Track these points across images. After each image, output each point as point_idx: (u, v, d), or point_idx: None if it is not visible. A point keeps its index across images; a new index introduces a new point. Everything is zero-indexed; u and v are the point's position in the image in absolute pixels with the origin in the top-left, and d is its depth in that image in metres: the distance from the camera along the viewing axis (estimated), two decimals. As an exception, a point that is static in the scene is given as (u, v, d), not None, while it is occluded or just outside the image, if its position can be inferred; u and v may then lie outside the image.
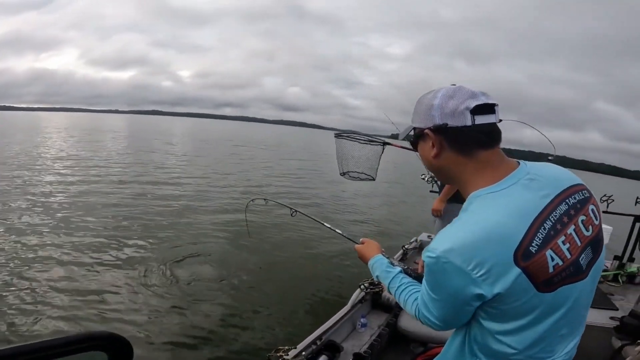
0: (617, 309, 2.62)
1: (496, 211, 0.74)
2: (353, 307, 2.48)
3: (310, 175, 14.95)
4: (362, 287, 2.66)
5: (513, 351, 0.79)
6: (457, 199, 2.77)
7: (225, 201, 8.69)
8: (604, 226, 2.67)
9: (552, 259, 0.74)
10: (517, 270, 0.71)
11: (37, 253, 4.72)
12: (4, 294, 3.66)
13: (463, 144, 0.80)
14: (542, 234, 0.73)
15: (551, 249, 0.74)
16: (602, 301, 2.81)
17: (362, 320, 2.42)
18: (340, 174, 2.68)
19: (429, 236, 4.12)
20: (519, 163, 0.82)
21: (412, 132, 0.90)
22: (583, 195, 0.81)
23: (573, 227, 0.77)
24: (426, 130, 0.82)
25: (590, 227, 0.80)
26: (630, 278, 3.31)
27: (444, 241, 0.75)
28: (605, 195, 3.38)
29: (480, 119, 0.78)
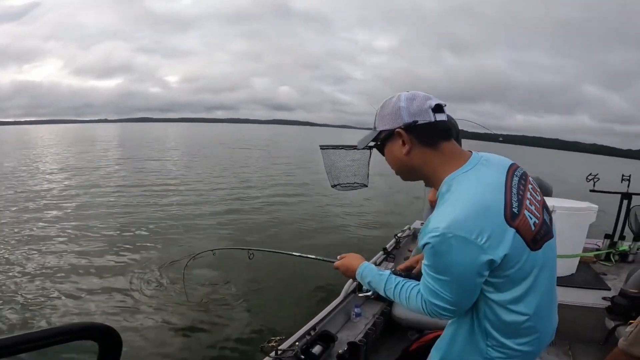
0: (609, 289, 2.62)
1: (476, 186, 0.84)
2: (346, 297, 2.48)
3: (299, 172, 15.03)
4: None
5: (524, 317, 0.87)
6: None
7: (218, 205, 8.73)
8: (588, 204, 2.70)
9: (530, 218, 0.85)
10: (512, 231, 0.81)
11: (45, 257, 5.07)
12: (15, 291, 3.98)
13: (430, 137, 0.91)
14: (515, 198, 0.85)
15: (526, 209, 0.85)
16: (594, 281, 2.81)
17: (356, 310, 2.42)
18: (332, 186, 2.64)
19: (422, 223, 4.12)
20: (471, 152, 0.94)
21: (374, 138, 0.98)
22: (522, 170, 0.96)
23: (528, 193, 0.90)
24: (398, 130, 0.91)
25: (537, 193, 0.94)
26: (623, 257, 3.30)
27: (442, 219, 0.81)
28: (590, 174, 3.40)
29: (438, 116, 0.91)
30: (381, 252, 3.30)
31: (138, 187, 10.77)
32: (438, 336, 1.33)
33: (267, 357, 1.71)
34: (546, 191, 3.41)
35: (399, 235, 3.72)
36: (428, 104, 0.90)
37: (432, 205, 2.94)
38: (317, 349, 1.94)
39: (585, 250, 3.07)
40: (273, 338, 1.72)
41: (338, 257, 1.20)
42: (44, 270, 4.61)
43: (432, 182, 0.95)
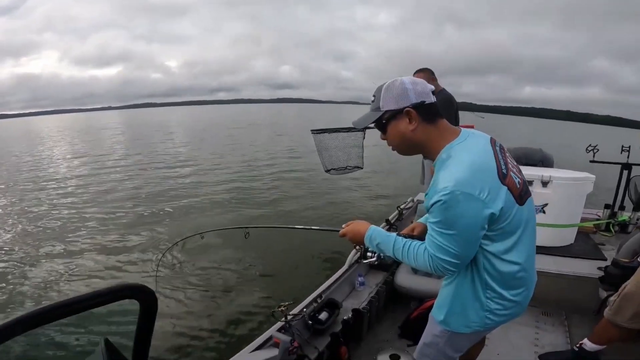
0: (605, 259, 2.62)
1: (473, 152, 1.00)
2: (350, 267, 2.59)
3: (301, 149, 15.10)
4: (357, 247, 2.73)
5: (517, 267, 1.04)
6: None
7: (225, 184, 8.90)
8: (585, 174, 2.72)
9: (514, 178, 1.03)
10: (504, 188, 0.98)
11: (74, 233, 5.67)
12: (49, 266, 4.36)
13: (432, 115, 1.05)
14: (502, 162, 1.02)
15: (510, 171, 1.03)
16: (592, 252, 2.81)
17: (359, 279, 2.55)
18: (326, 171, 2.60)
19: (426, 195, 4.14)
20: (459, 128, 1.09)
21: (379, 117, 1.06)
22: (499, 142, 1.12)
23: (509, 159, 1.08)
24: (407, 109, 1.02)
25: (513, 160, 1.12)
26: (623, 227, 3.30)
27: (450, 179, 0.94)
28: (590, 145, 3.40)
29: (434, 98, 1.06)
30: (384, 224, 3.36)
31: (150, 169, 11.14)
32: None
33: (278, 322, 1.86)
34: (548, 162, 3.43)
35: (401, 207, 3.76)
36: (428, 87, 1.05)
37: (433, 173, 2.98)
38: (323, 315, 2.09)
39: (584, 220, 3.07)
40: (283, 304, 1.86)
41: (343, 225, 1.27)
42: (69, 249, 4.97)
43: (431, 154, 1.08)
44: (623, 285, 1.77)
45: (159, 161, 12.78)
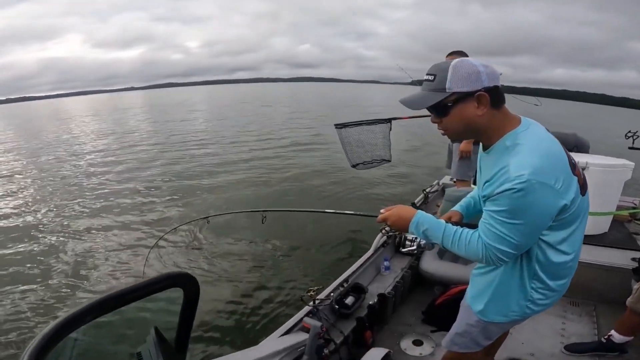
0: (639, 250, 2.54)
1: (544, 140, 0.95)
2: (376, 251, 2.61)
3: (322, 129, 15.04)
4: (383, 231, 2.72)
5: (568, 257, 1.02)
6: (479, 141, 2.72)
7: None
8: (624, 161, 2.57)
9: (578, 168, 1.00)
10: (575, 179, 0.95)
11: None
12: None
13: (499, 101, 0.98)
14: (567, 152, 0.98)
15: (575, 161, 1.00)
16: (626, 241, 2.71)
17: (385, 263, 2.56)
18: (352, 166, 2.48)
19: (450, 178, 3.98)
20: (519, 116, 1.03)
21: (444, 98, 0.97)
22: None
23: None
24: (481, 92, 0.94)
25: None
26: None
27: (525, 167, 0.88)
28: (630, 132, 3.22)
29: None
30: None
31: (172, 148, 11.45)
32: (463, 290, 1.41)
33: (306, 306, 1.90)
34: (583, 147, 3.28)
35: (427, 190, 3.71)
36: (497, 71, 0.98)
37: (464, 155, 2.88)
38: (349, 300, 2.12)
39: (619, 208, 2.95)
40: (311, 288, 1.90)
41: (381, 210, 1.17)
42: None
43: (490, 140, 1.01)
44: None
45: (183, 140, 13.15)
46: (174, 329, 0.80)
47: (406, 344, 2.11)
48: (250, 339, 2.80)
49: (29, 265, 4.10)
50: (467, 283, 1.27)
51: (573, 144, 3.25)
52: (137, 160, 9.75)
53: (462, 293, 1.32)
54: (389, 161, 2.53)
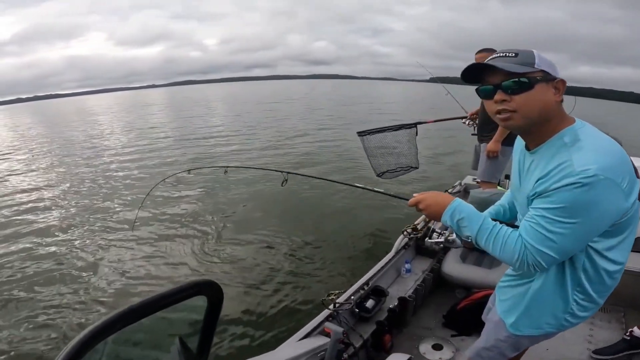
0: None
1: (605, 138, 0.89)
2: (397, 253, 2.56)
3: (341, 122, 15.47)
4: (405, 233, 2.67)
5: (617, 267, 0.96)
6: (508, 142, 2.66)
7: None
8: None
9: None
10: (638, 182, 0.88)
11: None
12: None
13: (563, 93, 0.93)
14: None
15: None
16: None
17: (406, 266, 2.51)
18: (377, 175, 2.37)
19: (474, 179, 3.86)
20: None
21: (530, 72, 0.88)
22: None
23: None
24: (562, 79, 0.91)
25: None
26: None
27: (592, 162, 0.81)
28: None
29: None
30: None
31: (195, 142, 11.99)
32: (487, 295, 1.34)
33: (325, 310, 1.88)
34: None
35: (449, 191, 3.64)
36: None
37: (492, 155, 2.80)
38: (370, 303, 2.09)
39: None
40: (332, 292, 1.87)
41: (414, 194, 1.10)
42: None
43: (546, 133, 0.93)
44: None
45: (206, 132, 13.87)
46: (196, 336, 0.80)
47: (425, 348, 2.06)
48: (267, 342, 2.76)
49: (64, 263, 4.20)
50: (489, 287, 1.21)
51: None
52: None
53: (485, 298, 1.25)
54: (416, 168, 2.42)
